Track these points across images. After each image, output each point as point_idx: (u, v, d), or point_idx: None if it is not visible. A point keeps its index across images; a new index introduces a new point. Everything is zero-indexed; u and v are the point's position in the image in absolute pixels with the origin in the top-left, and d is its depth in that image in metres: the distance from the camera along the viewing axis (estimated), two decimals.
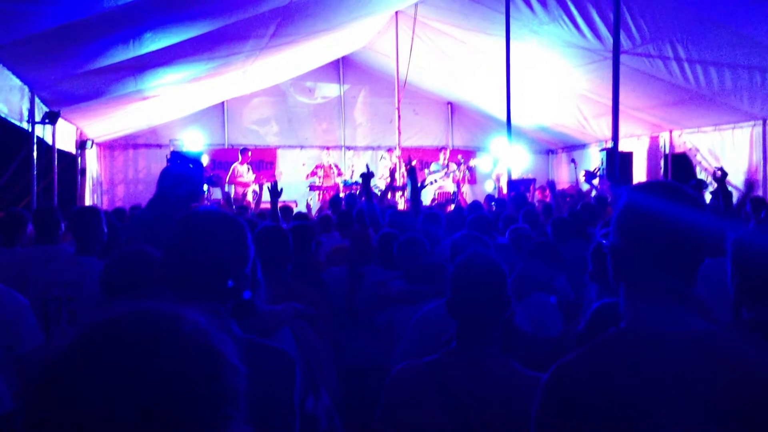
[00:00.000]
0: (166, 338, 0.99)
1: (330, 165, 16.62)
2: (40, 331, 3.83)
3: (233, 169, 15.63)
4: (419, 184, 7.07)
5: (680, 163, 13.26)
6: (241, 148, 16.31)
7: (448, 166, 16.58)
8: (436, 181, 16.20)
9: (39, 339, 3.74)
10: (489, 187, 16.53)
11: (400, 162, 15.37)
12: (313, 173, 16.51)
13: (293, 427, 2.03)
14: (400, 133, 15.29)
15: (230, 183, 15.48)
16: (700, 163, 12.55)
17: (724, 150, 12.07)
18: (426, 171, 16.55)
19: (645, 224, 1.67)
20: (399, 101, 15.06)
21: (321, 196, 15.61)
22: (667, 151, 13.64)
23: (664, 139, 13.77)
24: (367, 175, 7.22)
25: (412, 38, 13.62)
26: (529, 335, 3.23)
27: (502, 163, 14.19)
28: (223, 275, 1.87)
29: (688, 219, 1.66)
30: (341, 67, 18.23)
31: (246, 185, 15.44)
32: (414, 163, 8.54)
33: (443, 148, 17.33)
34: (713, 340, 1.60)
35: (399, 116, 15.25)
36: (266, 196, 8.08)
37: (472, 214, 6.48)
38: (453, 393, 2.35)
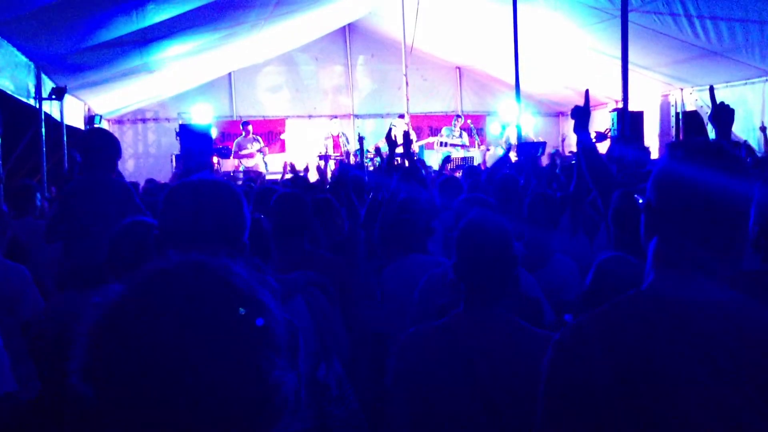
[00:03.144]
0: (217, 287, 1.04)
1: (339, 134, 16.57)
2: (39, 295, 3.91)
3: (237, 144, 15.67)
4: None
5: (692, 122, 13.13)
6: (242, 121, 16.31)
7: (461, 135, 16.50)
8: (446, 144, 16.15)
9: (40, 304, 3.81)
10: (499, 152, 16.44)
11: (409, 128, 15.31)
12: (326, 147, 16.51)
13: (299, 394, 2.03)
14: (408, 99, 15.19)
15: (236, 157, 15.50)
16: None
17: (736, 106, 11.89)
18: (437, 136, 16.54)
19: (681, 186, 1.58)
20: (406, 67, 14.95)
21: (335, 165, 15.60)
22: (679, 110, 13.50)
23: (675, 97, 13.63)
24: (393, 141, 6.80)
25: (418, 2, 13.48)
26: (536, 300, 3.20)
27: (512, 127, 14.11)
28: (231, 234, 1.86)
29: (728, 187, 1.55)
30: (348, 35, 18.09)
31: (251, 156, 15.44)
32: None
33: (456, 116, 17.19)
34: (735, 309, 1.55)
35: (407, 82, 15.15)
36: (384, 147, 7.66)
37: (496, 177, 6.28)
38: (465, 354, 2.35)
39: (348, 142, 16.54)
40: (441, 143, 16.37)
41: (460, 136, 16.51)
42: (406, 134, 6.67)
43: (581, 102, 3.75)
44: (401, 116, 15.98)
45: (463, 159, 15.55)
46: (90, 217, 4.65)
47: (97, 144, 4.99)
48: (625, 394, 1.52)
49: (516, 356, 2.31)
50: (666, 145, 1.70)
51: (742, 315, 1.55)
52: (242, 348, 1.01)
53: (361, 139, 8.60)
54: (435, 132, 16.97)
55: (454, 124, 16.65)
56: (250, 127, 15.90)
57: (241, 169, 15.16)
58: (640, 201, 1.71)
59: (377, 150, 9.59)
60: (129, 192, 4.81)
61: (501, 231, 2.49)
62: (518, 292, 2.92)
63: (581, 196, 4.82)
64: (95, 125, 13.14)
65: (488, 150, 16.64)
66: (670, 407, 1.49)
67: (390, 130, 6.93)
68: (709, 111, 10.21)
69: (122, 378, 0.96)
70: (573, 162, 10.37)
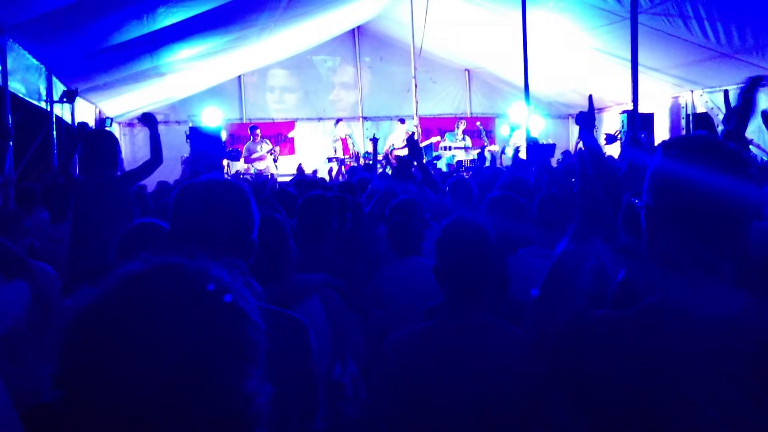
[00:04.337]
0: (190, 293, 1.00)
1: (346, 136, 16.59)
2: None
3: (246, 149, 15.66)
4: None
5: (702, 124, 13.08)
6: (251, 125, 16.33)
7: (464, 138, 16.50)
8: (450, 148, 16.17)
9: None
10: (508, 153, 16.42)
11: (417, 131, 15.31)
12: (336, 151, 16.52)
13: (315, 392, 2.04)
14: (417, 102, 15.19)
15: (247, 162, 15.53)
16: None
17: None
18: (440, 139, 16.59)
19: (678, 185, 1.54)
20: (415, 69, 14.95)
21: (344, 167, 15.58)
22: (689, 112, 13.45)
23: (685, 99, 13.58)
24: (413, 142, 6.59)
25: (427, 4, 13.48)
26: (521, 303, 3.19)
27: (521, 129, 14.09)
28: (239, 233, 1.90)
29: (725, 182, 1.50)
30: (357, 37, 18.12)
31: (262, 158, 15.46)
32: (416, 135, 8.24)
33: (461, 118, 17.17)
34: (749, 323, 1.50)
35: (415, 85, 15.15)
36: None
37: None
38: (449, 359, 2.34)
39: (355, 144, 16.56)
40: (445, 147, 16.38)
41: (463, 139, 16.52)
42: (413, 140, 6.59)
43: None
44: (402, 121, 15.97)
45: (472, 161, 15.51)
46: (96, 219, 4.67)
47: (104, 145, 5.02)
48: (635, 407, 1.50)
49: (502, 360, 2.30)
50: (659, 144, 1.66)
51: (757, 330, 1.50)
52: (212, 357, 0.97)
53: (374, 140, 8.54)
54: (441, 134, 16.98)
55: (457, 126, 16.64)
56: (258, 131, 15.93)
57: (252, 171, 15.19)
58: (636, 201, 1.68)
59: (386, 157, 9.45)
60: (137, 192, 4.84)
61: (480, 233, 2.47)
62: (507, 295, 2.91)
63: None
64: (106, 128, 13.23)
65: (503, 152, 16.60)
66: (683, 425, 1.47)
67: (413, 134, 6.82)
68: (718, 113, 10.12)
69: (89, 385, 0.94)
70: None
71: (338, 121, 16.95)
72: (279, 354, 1.09)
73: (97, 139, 5.27)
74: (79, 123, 5.51)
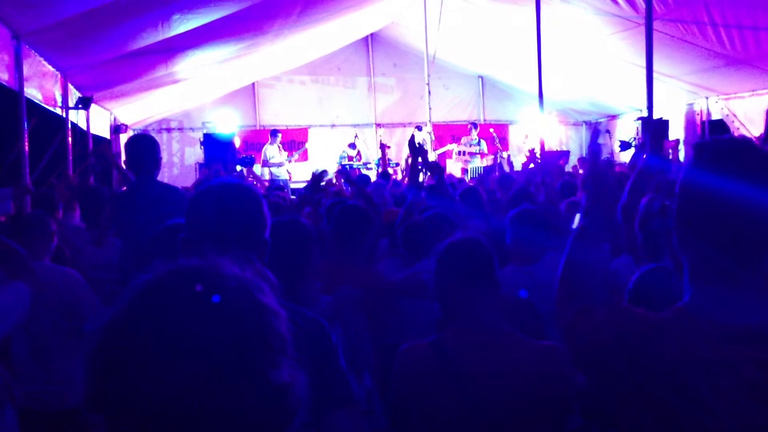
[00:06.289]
0: (205, 294, 0.99)
1: (355, 154, 16.60)
2: (97, 299, 3.95)
3: (264, 152, 15.65)
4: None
5: (717, 131, 13.01)
6: (272, 129, 16.34)
7: (480, 143, 16.46)
8: (465, 153, 16.14)
9: (99, 308, 3.86)
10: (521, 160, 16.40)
11: (430, 137, 15.29)
12: (350, 157, 16.51)
13: (349, 386, 2.04)
14: (430, 108, 15.19)
15: (263, 166, 15.53)
16: (737, 129, 12.30)
17: (761, 115, 11.78)
18: (455, 145, 16.58)
19: (710, 191, 1.51)
20: (428, 76, 14.96)
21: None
22: (704, 118, 13.39)
23: (700, 105, 13.51)
24: (417, 150, 6.63)
25: (440, 11, 13.49)
26: (518, 301, 3.18)
27: (534, 135, 14.06)
28: (253, 233, 1.93)
29: (760, 188, 1.47)
30: (370, 44, 18.16)
31: (280, 165, 15.49)
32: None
33: (472, 124, 17.10)
34: None
35: (429, 92, 15.15)
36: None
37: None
38: (459, 371, 2.33)
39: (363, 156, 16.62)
40: (459, 152, 16.36)
41: (478, 143, 16.47)
42: (417, 145, 6.54)
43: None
44: (419, 127, 15.95)
45: (485, 168, 15.47)
46: (143, 222, 4.68)
47: (144, 149, 5.01)
48: (653, 411, 1.50)
49: (512, 370, 2.30)
50: (692, 146, 1.63)
51: None
52: (238, 353, 0.97)
53: (383, 147, 8.50)
54: (457, 141, 16.96)
55: (470, 129, 16.59)
56: (279, 135, 15.84)
57: (266, 177, 15.20)
58: (668, 204, 1.67)
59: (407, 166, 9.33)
60: (180, 195, 4.84)
61: (481, 250, 2.48)
62: (499, 295, 2.89)
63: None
64: (120, 134, 13.31)
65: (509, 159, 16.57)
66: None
67: (413, 136, 6.80)
68: (734, 120, 10.01)
69: (123, 405, 0.95)
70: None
71: (352, 145, 16.82)
72: (300, 349, 1.08)
73: (140, 142, 5.24)
74: (97, 144, 5.48)
